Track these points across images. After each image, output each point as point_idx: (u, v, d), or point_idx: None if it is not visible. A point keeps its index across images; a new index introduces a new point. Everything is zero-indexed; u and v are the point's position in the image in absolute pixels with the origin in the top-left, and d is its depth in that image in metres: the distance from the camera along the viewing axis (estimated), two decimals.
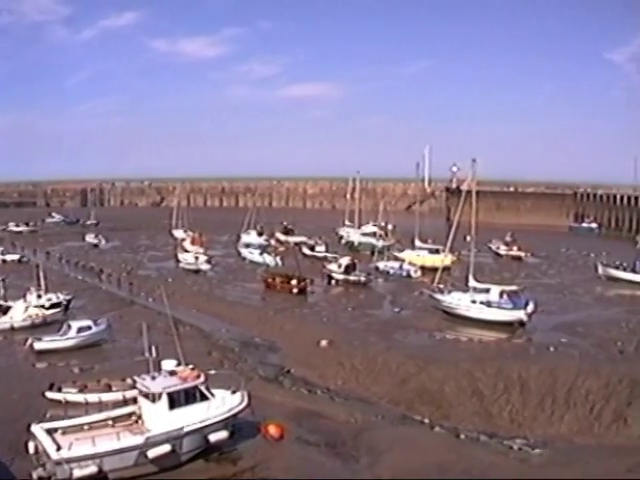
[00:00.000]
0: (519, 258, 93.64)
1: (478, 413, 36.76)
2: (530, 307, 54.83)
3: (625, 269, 77.50)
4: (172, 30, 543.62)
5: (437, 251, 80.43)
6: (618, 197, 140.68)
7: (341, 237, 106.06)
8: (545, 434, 34.47)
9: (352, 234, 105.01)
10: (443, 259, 69.20)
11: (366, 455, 29.31)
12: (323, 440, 30.76)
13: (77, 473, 25.37)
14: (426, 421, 35.01)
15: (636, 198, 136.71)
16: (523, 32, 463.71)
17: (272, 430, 29.26)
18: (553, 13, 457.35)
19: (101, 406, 32.16)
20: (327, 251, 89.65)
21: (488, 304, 55.71)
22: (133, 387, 31.07)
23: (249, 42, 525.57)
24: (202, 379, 29.16)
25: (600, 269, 78.84)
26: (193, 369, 29.85)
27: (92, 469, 25.64)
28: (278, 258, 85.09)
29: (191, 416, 27.90)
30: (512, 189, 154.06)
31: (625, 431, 34.61)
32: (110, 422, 28.77)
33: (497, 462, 29.03)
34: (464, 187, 72.98)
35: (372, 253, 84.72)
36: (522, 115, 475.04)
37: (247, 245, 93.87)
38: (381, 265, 79.40)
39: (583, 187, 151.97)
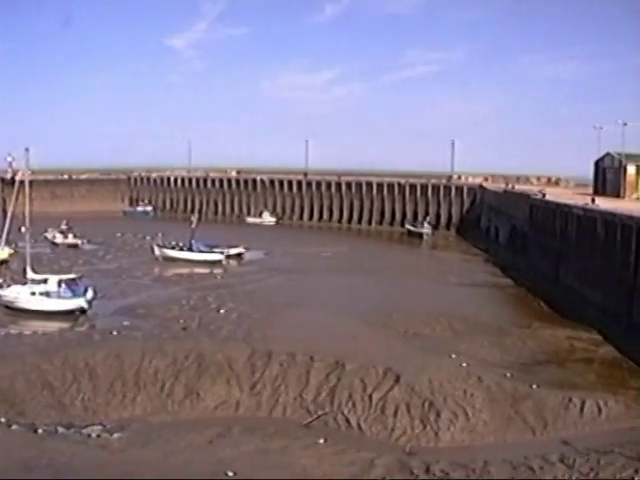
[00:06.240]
0: (75, 246, 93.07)
1: (52, 405, 35.73)
2: (90, 294, 55.21)
3: (182, 248, 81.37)
4: None
5: None
6: (172, 179, 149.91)
7: None
8: (120, 418, 34.64)
9: None
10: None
11: None
12: None
13: None
14: (2, 420, 33.36)
15: (190, 180, 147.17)
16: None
17: None
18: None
19: None
20: None
21: (47, 294, 54.86)
22: None
23: None
24: None
25: (156, 250, 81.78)
26: None
27: None
28: None
29: None
30: (66, 177, 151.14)
31: (199, 405, 36.11)
32: None
33: (78, 452, 28.56)
34: (18, 177, 70.95)
35: None
36: (78, 102, 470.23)
37: None
38: None
39: (137, 171, 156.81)
